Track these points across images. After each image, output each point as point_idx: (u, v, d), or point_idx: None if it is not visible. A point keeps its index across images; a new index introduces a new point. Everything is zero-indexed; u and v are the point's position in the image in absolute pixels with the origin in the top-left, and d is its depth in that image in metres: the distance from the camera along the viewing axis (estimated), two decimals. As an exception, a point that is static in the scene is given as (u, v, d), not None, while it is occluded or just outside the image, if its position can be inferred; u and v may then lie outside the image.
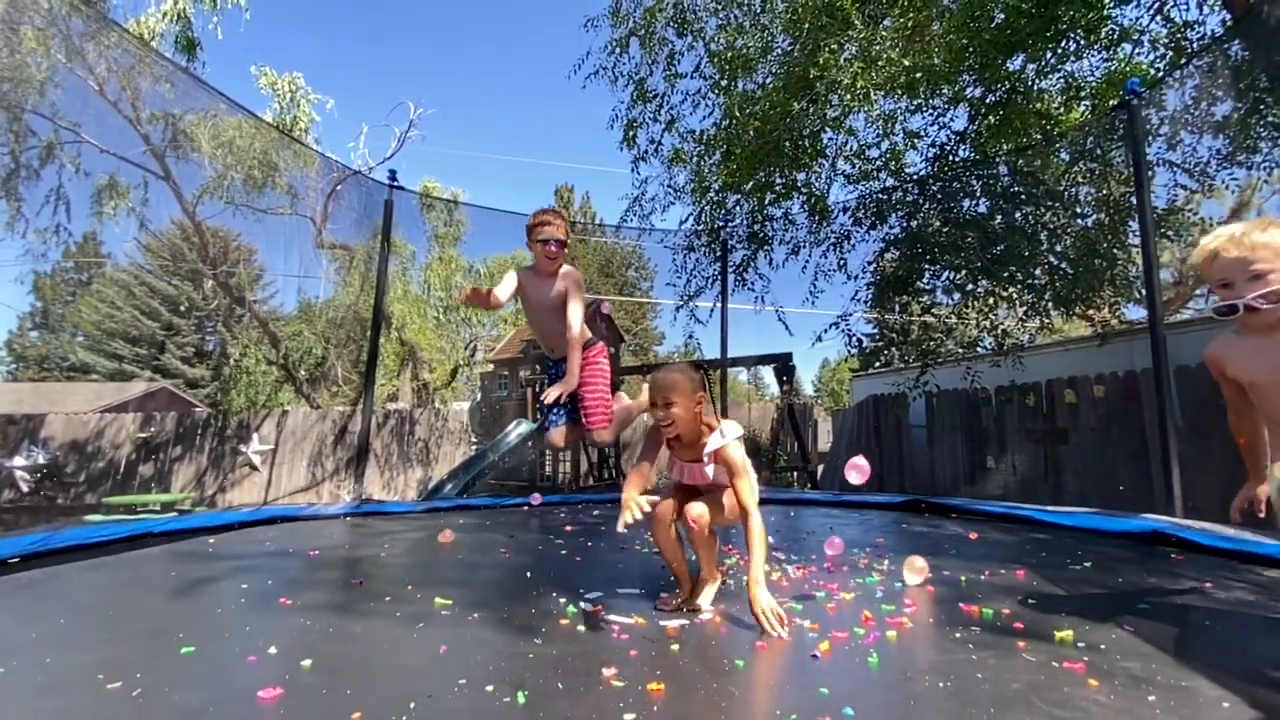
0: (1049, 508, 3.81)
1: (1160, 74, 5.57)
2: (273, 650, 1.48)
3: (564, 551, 2.84)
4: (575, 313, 2.54)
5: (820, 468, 10.79)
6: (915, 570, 2.28)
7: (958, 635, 1.68)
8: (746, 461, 1.90)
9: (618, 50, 6.97)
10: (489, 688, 1.28)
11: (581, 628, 1.72)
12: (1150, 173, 4.95)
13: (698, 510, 1.86)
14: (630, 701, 1.23)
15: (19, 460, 10.63)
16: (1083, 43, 5.60)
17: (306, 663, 1.40)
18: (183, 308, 25.84)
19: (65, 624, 1.75)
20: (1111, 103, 5.59)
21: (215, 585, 2.22)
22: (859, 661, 1.50)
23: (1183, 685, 1.36)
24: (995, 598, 2.02)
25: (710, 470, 1.93)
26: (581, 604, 1.89)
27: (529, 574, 2.39)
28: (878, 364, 11.88)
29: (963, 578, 2.31)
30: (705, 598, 1.93)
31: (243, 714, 1.15)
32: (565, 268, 2.63)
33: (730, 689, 1.34)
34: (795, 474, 9.60)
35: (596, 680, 1.34)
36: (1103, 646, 1.58)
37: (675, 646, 1.58)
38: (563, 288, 2.60)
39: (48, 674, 1.35)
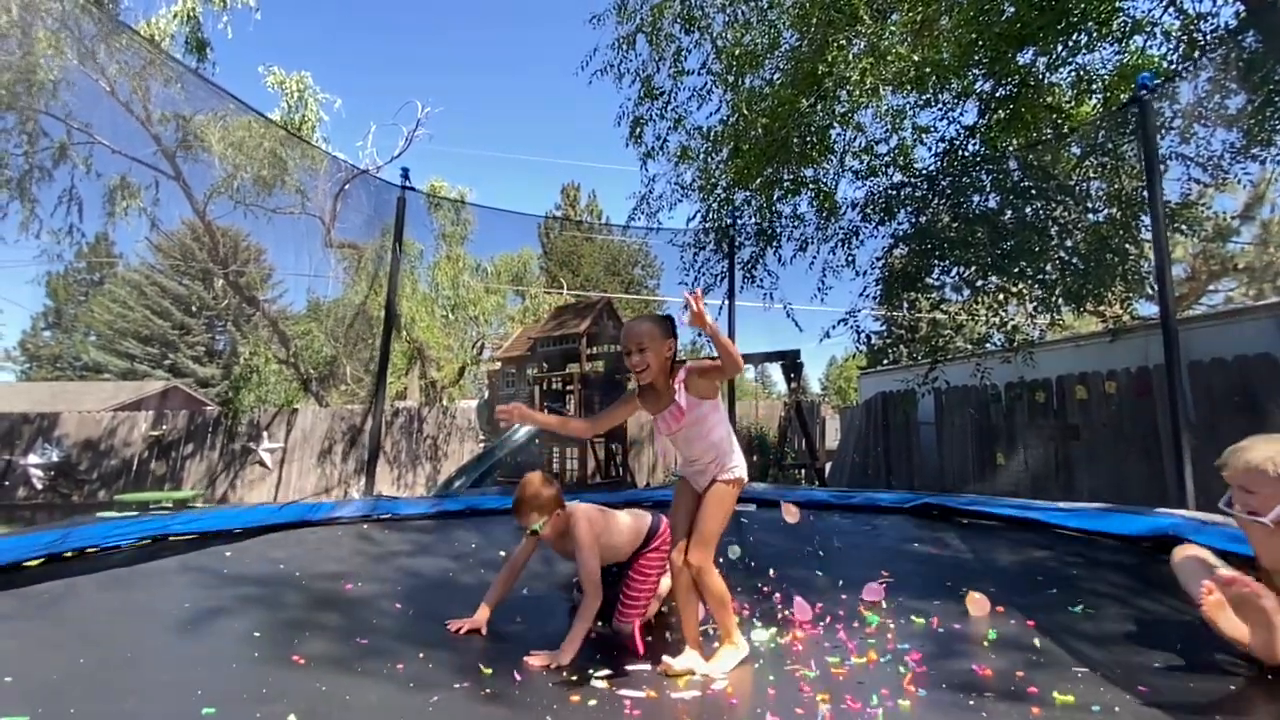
0: (1061, 504, 3.79)
1: (1173, 67, 5.50)
2: (292, 718, 1.49)
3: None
4: (588, 573, 2.22)
5: (828, 466, 10.78)
6: (976, 605, 2.34)
7: (971, 701, 1.65)
8: None
9: (624, 47, 6.96)
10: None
11: (593, 702, 1.71)
12: (1163, 166, 4.90)
13: (698, 567, 1.89)
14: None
15: (33, 458, 10.78)
16: (1094, 35, 5.54)
17: None
18: (194, 307, 26.07)
19: (85, 663, 1.78)
20: (1123, 96, 5.53)
21: (230, 625, 2.21)
22: None
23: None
24: (1005, 654, 1.98)
25: (684, 402, 1.95)
26: (593, 682, 1.85)
27: (541, 637, 2.23)
28: (886, 361, 11.84)
29: (973, 628, 2.25)
30: (723, 663, 1.89)
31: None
32: (577, 526, 2.31)
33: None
34: (803, 472, 9.59)
35: None
36: (1116, 709, 1.57)
37: (687, 719, 1.58)
38: (570, 548, 2.37)
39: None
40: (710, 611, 1.99)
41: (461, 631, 2.27)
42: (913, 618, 2.33)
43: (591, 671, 1.91)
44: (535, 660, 2.05)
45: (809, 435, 9.16)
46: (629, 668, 1.96)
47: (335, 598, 2.64)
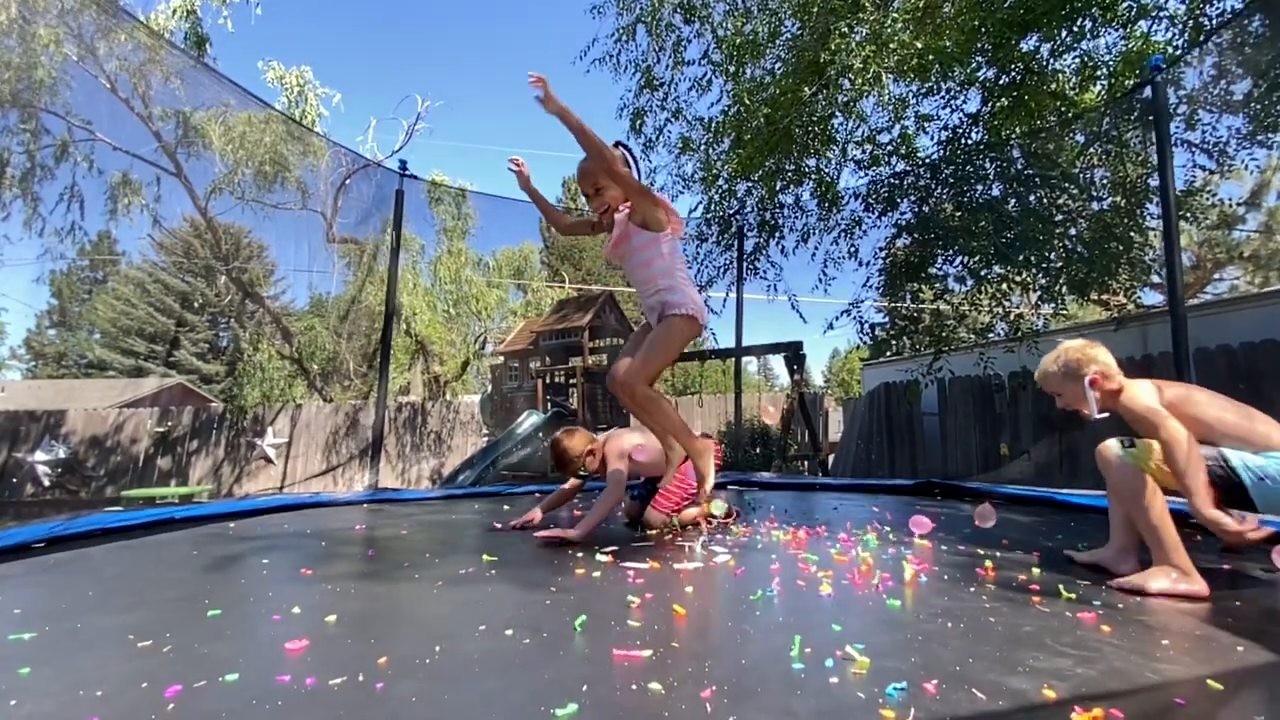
0: (1066, 490, 3.78)
1: (1179, 51, 5.45)
2: (296, 610, 1.51)
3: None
4: (612, 474, 2.57)
5: (831, 457, 10.77)
6: (983, 515, 2.41)
7: (971, 589, 1.70)
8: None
9: (624, 37, 6.92)
10: (508, 631, 1.32)
11: (597, 574, 1.76)
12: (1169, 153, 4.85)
13: (623, 382, 2.01)
14: (648, 639, 1.26)
15: (40, 455, 10.82)
16: (1099, 20, 5.49)
17: (331, 618, 1.43)
18: (196, 304, 26.10)
19: (93, 595, 1.78)
20: (1129, 82, 5.49)
21: (238, 561, 2.25)
22: (872, 604, 1.54)
23: (1197, 634, 1.36)
24: (1009, 564, 2.03)
25: (622, 223, 2.11)
26: (597, 556, 1.93)
27: (543, 540, 2.42)
28: (889, 352, 11.82)
29: (976, 548, 2.31)
30: (708, 486, 2.05)
31: (271, 665, 1.17)
32: (608, 451, 2.66)
33: (745, 626, 1.37)
34: (806, 464, 9.57)
35: (614, 621, 1.37)
36: (1120, 605, 1.58)
37: (689, 588, 1.63)
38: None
39: (80, 637, 1.38)
40: (654, 420, 2.10)
41: (514, 527, 2.59)
42: (916, 540, 2.44)
43: (596, 548, 2.02)
44: (546, 534, 2.25)
45: (812, 427, 9.13)
46: (634, 544, 2.09)
47: (346, 537, 2.72)
